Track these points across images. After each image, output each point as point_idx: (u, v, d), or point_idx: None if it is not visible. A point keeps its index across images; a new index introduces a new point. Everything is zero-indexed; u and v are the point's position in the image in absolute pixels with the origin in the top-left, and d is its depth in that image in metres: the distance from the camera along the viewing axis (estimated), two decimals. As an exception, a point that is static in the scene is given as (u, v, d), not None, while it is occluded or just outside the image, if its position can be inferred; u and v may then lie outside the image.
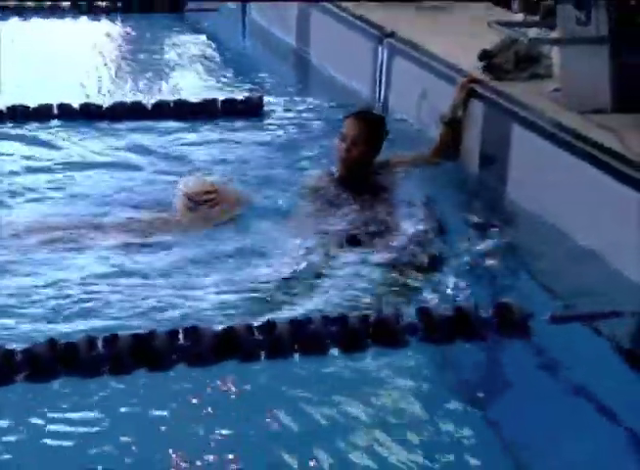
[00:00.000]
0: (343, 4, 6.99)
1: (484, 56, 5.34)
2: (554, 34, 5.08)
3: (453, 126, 5.22)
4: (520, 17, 5.81)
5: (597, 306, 3.84)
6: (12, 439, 3.00)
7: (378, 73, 6.31)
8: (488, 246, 4.37)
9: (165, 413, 3.14)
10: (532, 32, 5.28)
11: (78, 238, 4.24)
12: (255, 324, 3.43)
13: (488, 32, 5.41)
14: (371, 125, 4.80)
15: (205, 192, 4.39)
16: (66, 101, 6.02)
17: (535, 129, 4.65)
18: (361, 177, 4.77)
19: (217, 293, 3.80)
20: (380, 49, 6.30)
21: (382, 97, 6.27)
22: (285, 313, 3.62)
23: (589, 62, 4.66)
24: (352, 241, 4.29)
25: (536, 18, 5.55)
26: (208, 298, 3.76)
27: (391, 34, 6.26)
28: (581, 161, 4.31)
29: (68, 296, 3.76)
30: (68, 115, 5.94)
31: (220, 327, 3.42)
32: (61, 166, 5.24)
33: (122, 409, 3.16)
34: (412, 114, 5.78)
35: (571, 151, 4.38)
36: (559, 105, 4.73)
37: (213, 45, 8.23)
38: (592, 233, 4.20)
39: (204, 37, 8.44)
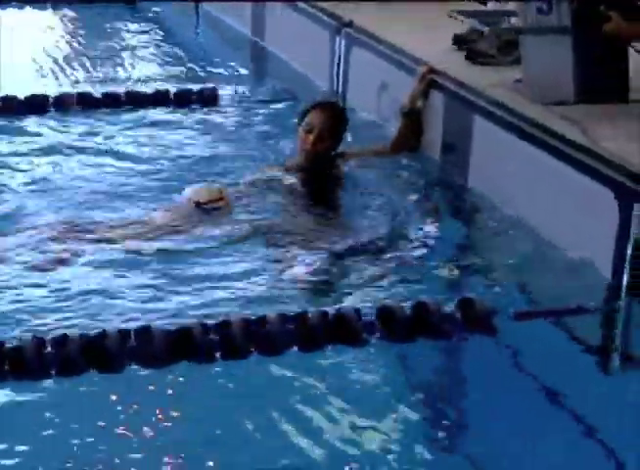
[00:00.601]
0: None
1: (458, 40, 5.31)
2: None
3: (412, 117, 5.16)
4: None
5: (561, 302, 3.81)
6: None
7: (335, 64, 6.23)
8: (449, 239, 4.35)
9: (116, 416, 3.07)
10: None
11: (29, 235, 4.12)
12: (209, 323, 3.35)
13: (449, 20, 5.36)
14: (337, 116, 4.81)
15: (214, 200, 4.38)
16: (11, 93, 5.86)
17: (497, 121, 4.61)
18: (321, 169, 4.72)
19: (188, 293, 3.73)
20: (337, 39, 6.21)
21: (340, 88, 6.19)
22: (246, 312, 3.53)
23: (552, 52, 4.63)
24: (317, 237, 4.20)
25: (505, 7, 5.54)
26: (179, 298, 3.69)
27: (349, 24, 6.17)
28: (544, 152, 4.28)
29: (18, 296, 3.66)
30: (12, 107, 5.77)
31: (174, 327, 3.33)
32: (8, 160, 5.09)
33: (73, 412, 3.09)
34: (371, 105, 5.70)
35: (533, 142, 4.35)
36: (521, 96, 4.69)
37: (166, 35, 8.12)
38: (554, 225, 4.18)
39: (156, 27, 8.30)
